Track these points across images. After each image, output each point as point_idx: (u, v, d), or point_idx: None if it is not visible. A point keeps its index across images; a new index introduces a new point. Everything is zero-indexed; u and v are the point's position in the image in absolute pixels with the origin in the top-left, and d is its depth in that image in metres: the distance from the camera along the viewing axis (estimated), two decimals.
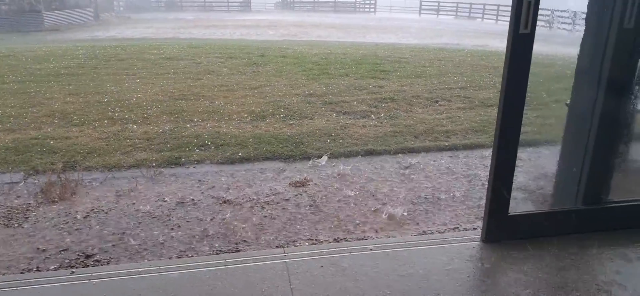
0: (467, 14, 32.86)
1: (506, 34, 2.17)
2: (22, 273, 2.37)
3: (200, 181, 3.60)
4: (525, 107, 2.26)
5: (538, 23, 2.12)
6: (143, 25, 22.62)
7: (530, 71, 2.20)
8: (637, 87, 2.49)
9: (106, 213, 3.04)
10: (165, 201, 3.23)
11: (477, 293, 2.14)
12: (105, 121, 5.19)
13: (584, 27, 2.41)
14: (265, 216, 3.00)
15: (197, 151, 4.27)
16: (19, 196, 3.32)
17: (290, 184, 3.53)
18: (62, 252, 2.57)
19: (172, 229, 2.83)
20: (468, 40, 16.42)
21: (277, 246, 2.63)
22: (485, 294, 2.13)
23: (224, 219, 2.96)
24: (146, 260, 2.48)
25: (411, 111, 5.77)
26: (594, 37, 2.40)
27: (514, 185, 2.41)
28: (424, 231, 2.83)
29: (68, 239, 2.70)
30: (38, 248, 2.60)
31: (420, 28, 22.83)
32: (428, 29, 22.59)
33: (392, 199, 3.29)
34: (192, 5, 38.47)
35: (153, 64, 9.17)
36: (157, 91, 6.80)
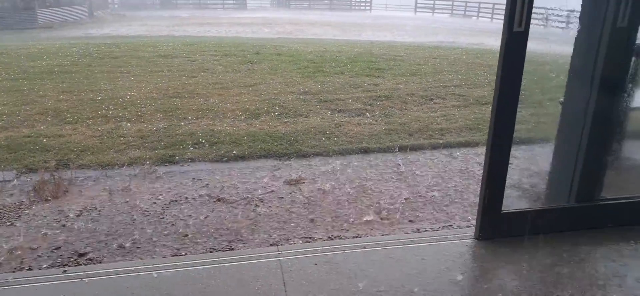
0: (463, 13, 32.94)
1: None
2: (14, 271, 2.35)
3: (194, 179, 3.59)
4: (519, 105, 2.27)
5: (532, 21, 2.12)
6: (138, 23, 22.50)
7: (524, 69, 2.21)
8: (630, 85, 2.51)
9: (99, 211, 3.03)
10: (159, 199, 3.22)
11: (470, 290, 2.15)
12: (99, 119, 5.16)
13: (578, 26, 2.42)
14: (260, 214, 2.99)
15: (191, 149, 4.25)
16: (11, 195, 3.29)
17: (284, 182, 3.52)
18: (55, 250, 2.55)
19: (166, 227, 2.82)
20: (463, 38, 16.44)
21: (271, 244, 2.62)
22: (479, 291, 2.14)
23: (217, 217, 2.95)
24: (139, 258, 2.47)
25: (406, 109, 5.77)
26: (587, 36, 2.41)
27: (507, 183, 2.41)
28: (417, 229, 2.84)
29: (61, 238, 2.68)
30: (30, 247, 2.58)
31: (415, 26, 22.84)
32: (423, 27, 22.61)
33: (387, 196, 3.29)
34: (187, 2, 38.35)
35: (147, 62, 9.12)
36: (151, 88, 6.77)
